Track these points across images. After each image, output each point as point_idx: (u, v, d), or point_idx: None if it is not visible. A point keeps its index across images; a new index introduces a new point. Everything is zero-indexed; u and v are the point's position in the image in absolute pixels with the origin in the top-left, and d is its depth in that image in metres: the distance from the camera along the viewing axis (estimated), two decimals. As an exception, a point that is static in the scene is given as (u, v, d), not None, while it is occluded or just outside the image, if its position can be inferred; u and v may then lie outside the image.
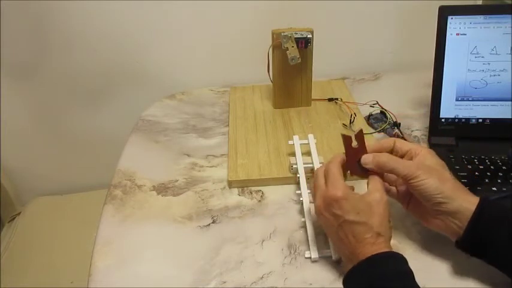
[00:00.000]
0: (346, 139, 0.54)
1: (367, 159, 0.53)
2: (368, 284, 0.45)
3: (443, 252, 0.54)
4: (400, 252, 0.47)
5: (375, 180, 0.52)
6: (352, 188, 0.52)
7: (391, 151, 0.54)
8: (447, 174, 0.50)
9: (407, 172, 0.49)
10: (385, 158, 0.51)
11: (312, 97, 0.86)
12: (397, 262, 0.47)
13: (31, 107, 1.04)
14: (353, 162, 0.54)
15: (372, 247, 0.47)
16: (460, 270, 0.52)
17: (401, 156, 0.53)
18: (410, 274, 0.46)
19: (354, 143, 0.54)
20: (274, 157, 0.72)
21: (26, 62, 0.98)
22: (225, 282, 0.53)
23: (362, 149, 0.54)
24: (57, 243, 1.00)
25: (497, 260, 0.48)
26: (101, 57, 0.98)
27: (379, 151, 0.54)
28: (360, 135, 0.54)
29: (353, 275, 0.47)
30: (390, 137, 0.77)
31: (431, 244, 0.56)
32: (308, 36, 0.76)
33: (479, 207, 0.47)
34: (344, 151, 0.55)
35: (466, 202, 0.48)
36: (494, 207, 0.48)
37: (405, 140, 0.75)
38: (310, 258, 0.55)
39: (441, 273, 0.53)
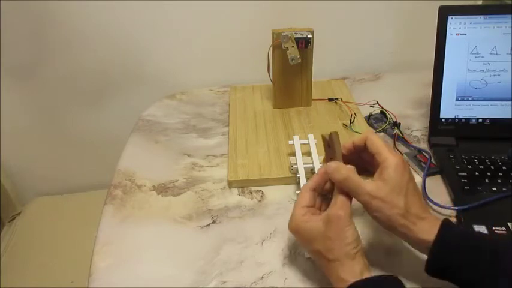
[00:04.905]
0: (324, 140, 0.52)
1: (329, 168, 0.49)
2: None
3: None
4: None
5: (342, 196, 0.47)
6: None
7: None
8: (402, 202, 0.45)
9: (362, 199, 0.46)
10: (342, 176, 0.47)
11: (312, 97, 0.86)
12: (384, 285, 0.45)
13: (31, 107, 1.04)
14: None
15: (341, 271, 0.45)
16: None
17: (373, 155, 0.49)
18: None
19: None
20: (274, 157, 0.72)
21: (26, 62, 0.98)
22: (225, 282, 0.53)
23: (336, 152, 0.50)
24: (57, 243, 1.00)
25: (466, 285, 0.45)
26: (101, 57, 0.98)
27: (352, 150, 0.51)
28: (332, 138, 0.50)
29: None
30: (390, 137, 0.77)
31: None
32: (308, 36, 0.76)
33: (439, 236, 0.45)
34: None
35: (422, 232, 0.45)
36: (454, 232, 0.46)
37: (406, 140, 0.75)
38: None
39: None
